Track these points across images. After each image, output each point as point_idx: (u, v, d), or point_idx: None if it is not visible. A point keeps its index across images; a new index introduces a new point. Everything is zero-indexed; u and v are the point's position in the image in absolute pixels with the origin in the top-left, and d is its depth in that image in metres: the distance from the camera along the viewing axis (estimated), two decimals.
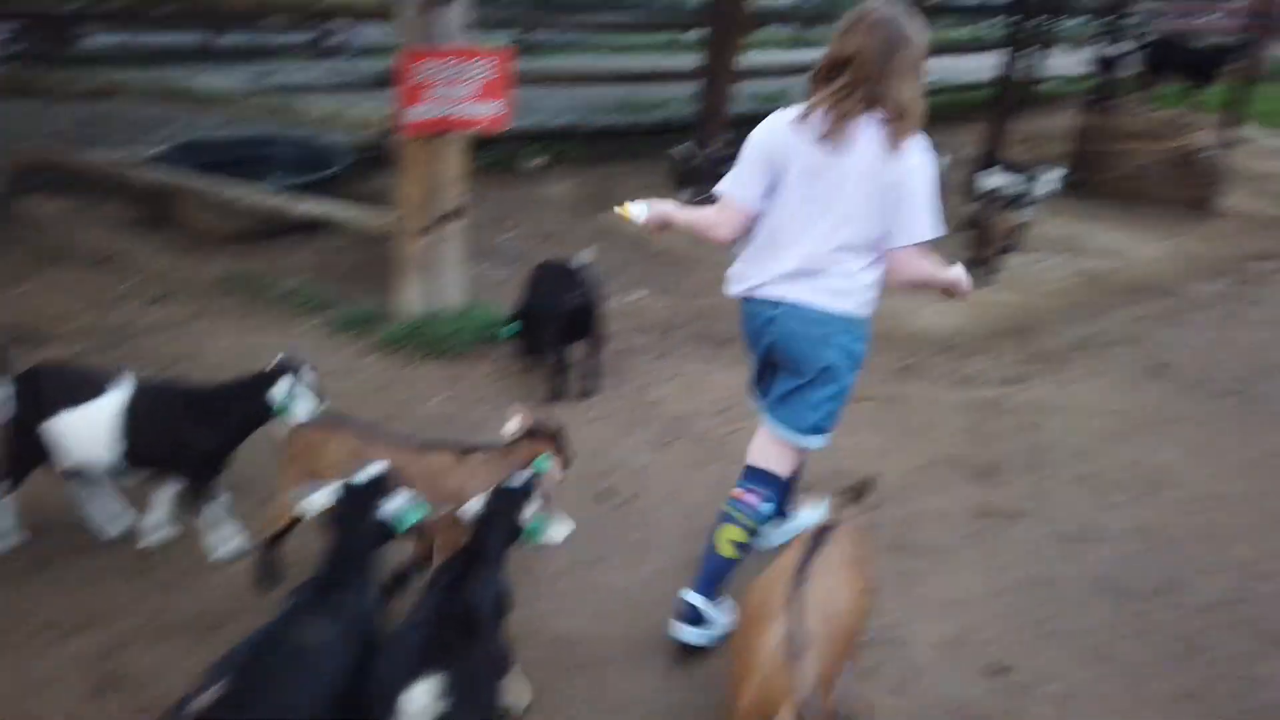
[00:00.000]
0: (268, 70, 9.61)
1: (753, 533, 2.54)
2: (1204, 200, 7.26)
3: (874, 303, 2.48)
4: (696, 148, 6.12)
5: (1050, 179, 6.10)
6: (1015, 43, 7.94)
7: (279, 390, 2.64)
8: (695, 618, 2.53)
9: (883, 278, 2.45)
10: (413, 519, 2.19)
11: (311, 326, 4.49)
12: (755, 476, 2.59)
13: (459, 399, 3.94)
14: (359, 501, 2.16)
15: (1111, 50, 9.87)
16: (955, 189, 6.19)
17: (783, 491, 2.70)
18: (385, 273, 4.47)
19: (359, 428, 2.58)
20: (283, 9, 7.47)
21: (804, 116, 2.33)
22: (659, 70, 8.58)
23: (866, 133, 2.27)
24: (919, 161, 2.31)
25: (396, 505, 2.18)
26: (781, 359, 2.53)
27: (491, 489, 2.23)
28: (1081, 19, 15.30)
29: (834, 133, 2.27)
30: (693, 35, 9.70)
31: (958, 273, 2.45)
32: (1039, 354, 4.76)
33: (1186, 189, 7.27)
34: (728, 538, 2.53)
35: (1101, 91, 9.74)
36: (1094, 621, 2.86)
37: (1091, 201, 7.66)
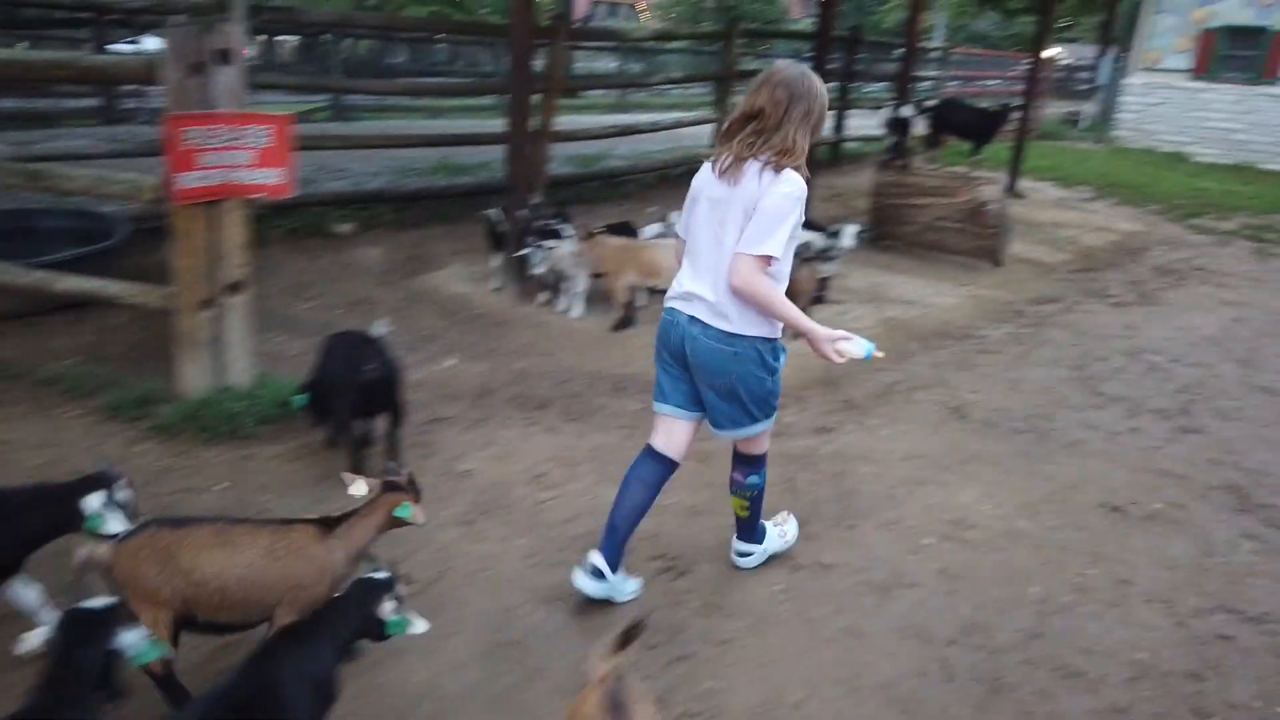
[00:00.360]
0: (34, 138, 8.91)
1: (755, 496, 3.11)
2: (991, 250, 7.80)
3: (762, 320, 2.76)
4: (502, 212, 6.04)
5: (851, 233, 6.37)
6: None
7: (91, 502, 2.43)
8: (744, 551, 3.26)
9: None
10: (149, 656, 2.01)
11: (79, 414, 4.05)
12: (737, 460, 3.09)
13: (242, 485, 3.61)
14: (85, 632, 1.87)
15: (902, 112, 10.57)
16: None
17: (763, 464, 3.09)
18: (166, 351, 4.10)
19: (205, 524, 2.39)
20: (54, 76, 6.91)
21: (716, 160, 2.72)
22: (474, 133, 8.49)
23: (753, 168, 2.63)
24: (783, 190, 2.61)
25: (132, 639, 1.94)
26: (695, 371, 2.87)
27: (353, 579, 2.28)
28: (878, 84, 16.44)
29: (730, 170, 2.65)
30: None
31: (827, 334, 2.77)
32: (848, 402, 4.88)
33: (975, 240, 7.79)
34: (736, 504, 3.16)
35: (895, 151, 10.40)
36: (903, 670, 2.86)
37: (891, 253, 8.09)
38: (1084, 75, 24.44)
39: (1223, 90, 15.48)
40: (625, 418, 4.46)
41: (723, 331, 2.74)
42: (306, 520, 2.45)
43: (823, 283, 6.15)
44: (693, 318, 2.79)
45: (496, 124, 8.06)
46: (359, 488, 2.56)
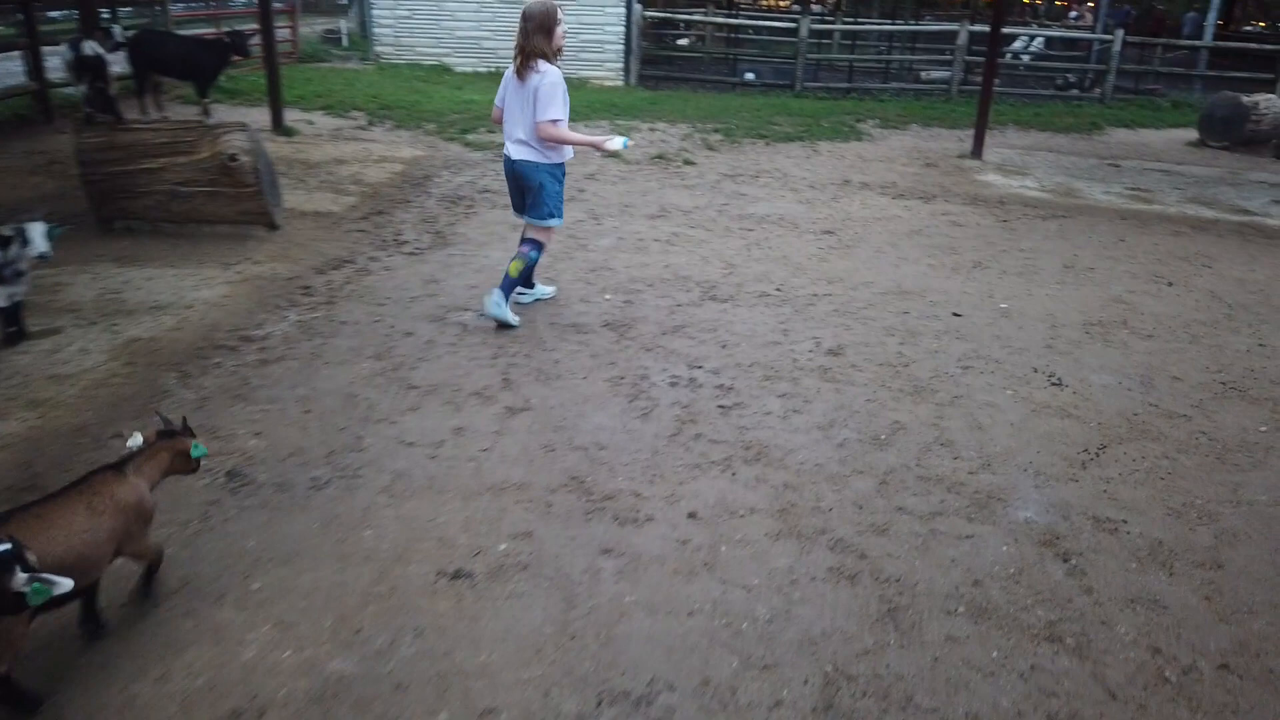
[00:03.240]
0: None
1: (527, 265, 4.92)
2: (260, 211, 6.34)
3: (554, 152, 4.77)
4: None
5: (40, 234, 4.37)
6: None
7: None
8: (498, 303, 4.91)
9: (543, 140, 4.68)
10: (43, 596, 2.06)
11: None
12: (525, 241, 4.97)
13: None
14: None
15: (86, 49, 8.22)
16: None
17: (541, 249, 5.01)
18: None
19: (15, 517, 2.25)
20: None
21: (514, 66, 4.68)
22: None
23: (531, 68, 4.57)
24: (541, 80, 4.54)
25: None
26: (522, 185, 4.87)
27: None
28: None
29: (520, 70, 4.61)
30: None
31: (600, 138, 4.83)
32: None
33: (236, 203, 6.25)
34: (514, 266, 4.89)
35: (95, 101, 8.10)
36: None
37: (133, 238, 6.17)
38: None
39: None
40: None
41: (530, 161, 4.75)
42: (102, 469, 2.52)
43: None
44: (517, 156, 4.76)
45: None
46: (135, 439, 2.67)
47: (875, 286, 6.04)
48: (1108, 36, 16.78)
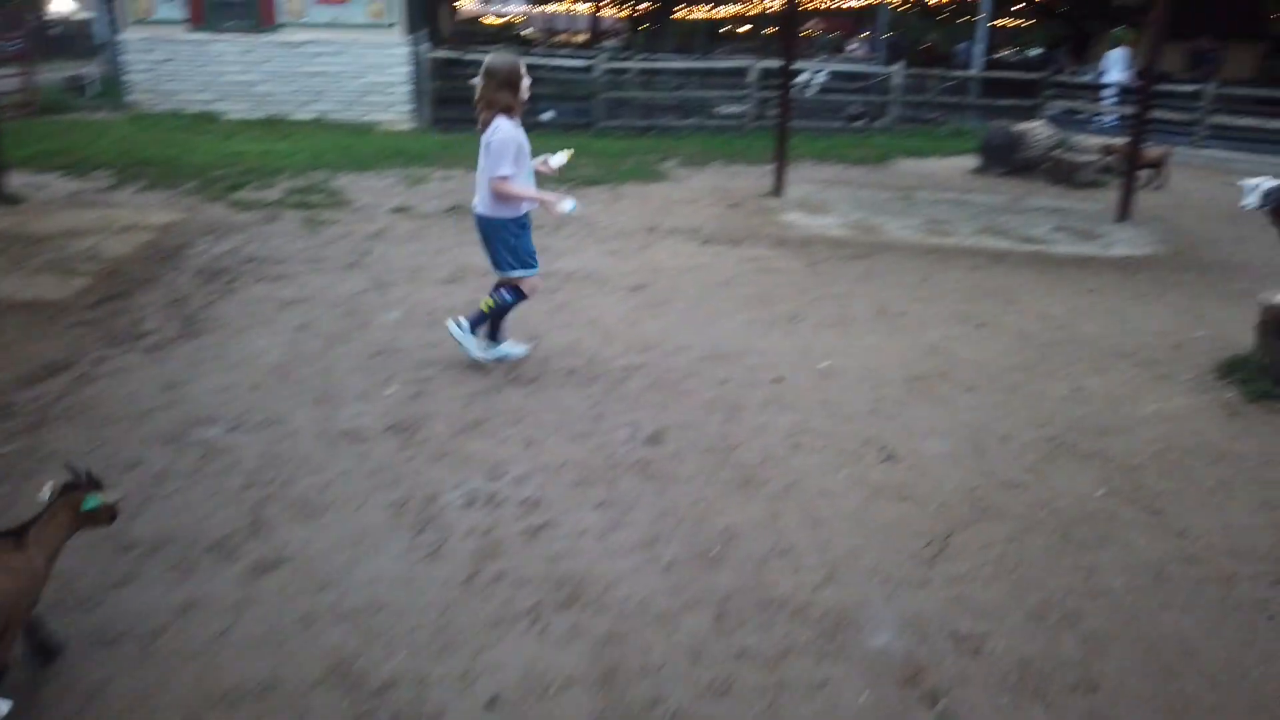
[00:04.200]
0: None
1: (498, 305, 5.02)
2: None
3: (505, 207, 4.76)
4: None
5: None
6: None
7: None
8: (461, 325, 5.04)
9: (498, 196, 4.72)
10: None
11: None
12: (497, 288, 5.05)
13: None
14: None
15: None
16: None
17: (520, 296, 5.03)
18: None
19: None
20: None
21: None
22: None
23: (488, 123, 4.67)
24: (493, 136, 4.61)
25: None
26: (483, 238, 4.96)
27: None
28: None
29: (482, 125, 4.69)
30: None
31: (551, 197, 4.76)
32: None
33: None
34: (485, 302, 5.03)
35: None
36: None
37: None
38: (87, 32, 21.38)
39: (230, 40, 14.49)
40: None
41: (482, 214, 4.84)
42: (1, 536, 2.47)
43: None
44: (476, 210, 4.87)
45: None
46: (44, 492, 2.60)
47: (691, 351, 5.58)
48: (888, 69, 17.52)
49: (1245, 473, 4.25)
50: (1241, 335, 5.95)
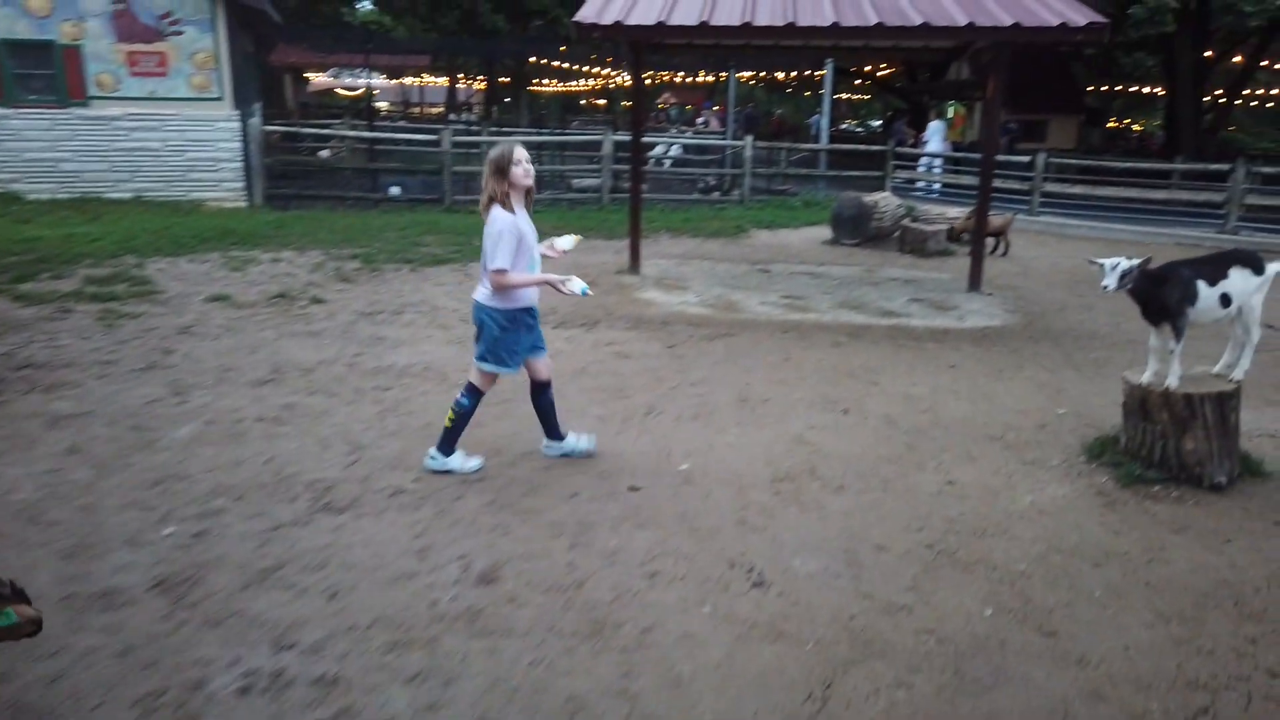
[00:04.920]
0: None
1: (458, 414, 4.71)
2: None
3: (501, 298, 4.53)
4: None
5: None
6: None
7: None
8: (434, 457, 4.77)
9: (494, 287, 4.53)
10: None
11: None
12: (464, 388, 4.75)
13: None
14: None
15: None
16: None
17: (477, 396, 4.75)
18: None
19: None
20: None
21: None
22: None
23: (487, 213, 4.49)
24: (489, 228, 4.43)
25: None
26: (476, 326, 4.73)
27: None
28: None
29: (483, 211, 4.51)
30: None
31: (557, 278, 4.53)
32: None
33: None
34: (448, 417, 4.74)
35: None
36: None
37: None
38: None
39: (34, 115, 13.19)
40: None
41: (478, 302, 4.63)
42: None
43: None
44: (475, 296, 4.66)
45: None
46: None
47: (535, 459, 4.97)
48: (738, 142, 17.70)
49: (1132, 574, 3.94)
50: (1103, 411, 5.81)
